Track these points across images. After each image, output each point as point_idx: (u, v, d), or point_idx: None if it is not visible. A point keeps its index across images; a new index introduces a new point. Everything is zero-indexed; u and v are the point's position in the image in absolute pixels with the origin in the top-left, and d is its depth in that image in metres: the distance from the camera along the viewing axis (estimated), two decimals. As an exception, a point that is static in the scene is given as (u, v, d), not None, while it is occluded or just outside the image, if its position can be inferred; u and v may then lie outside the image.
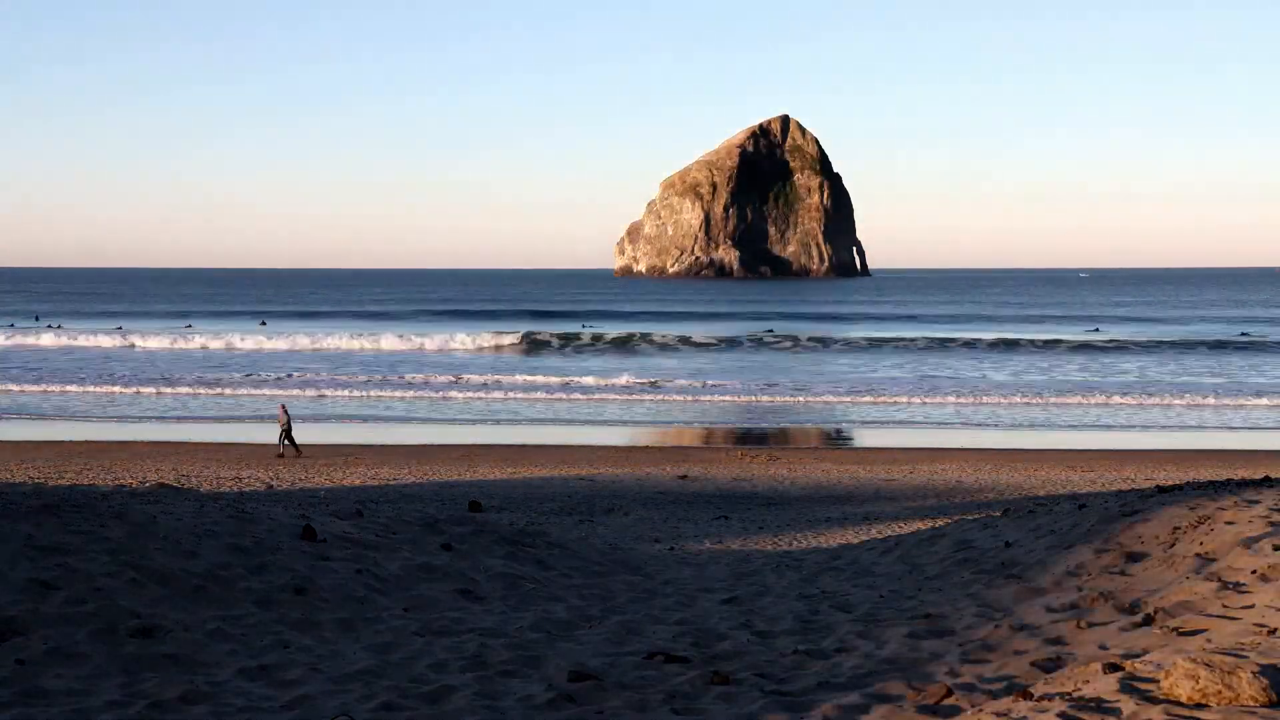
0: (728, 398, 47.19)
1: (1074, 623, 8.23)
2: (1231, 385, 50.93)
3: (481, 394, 47.37)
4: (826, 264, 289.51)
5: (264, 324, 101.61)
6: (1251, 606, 7.86)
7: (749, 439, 35.21)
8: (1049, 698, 6.49)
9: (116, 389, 48.26)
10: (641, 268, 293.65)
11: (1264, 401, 44.78)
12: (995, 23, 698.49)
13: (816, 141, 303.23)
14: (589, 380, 52.02)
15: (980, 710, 6.49)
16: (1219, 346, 72.77)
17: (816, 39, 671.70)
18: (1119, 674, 6.71)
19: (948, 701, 6.75)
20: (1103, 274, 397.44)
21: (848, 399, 46.82)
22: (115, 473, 23.78)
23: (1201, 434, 36.85)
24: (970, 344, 73.95)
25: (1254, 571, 8.57)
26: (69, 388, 48.32)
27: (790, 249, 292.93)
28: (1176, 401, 44.88)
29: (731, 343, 75.39)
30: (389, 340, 75.25)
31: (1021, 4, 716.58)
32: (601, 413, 42.49)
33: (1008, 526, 12.16)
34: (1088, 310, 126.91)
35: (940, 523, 16.81)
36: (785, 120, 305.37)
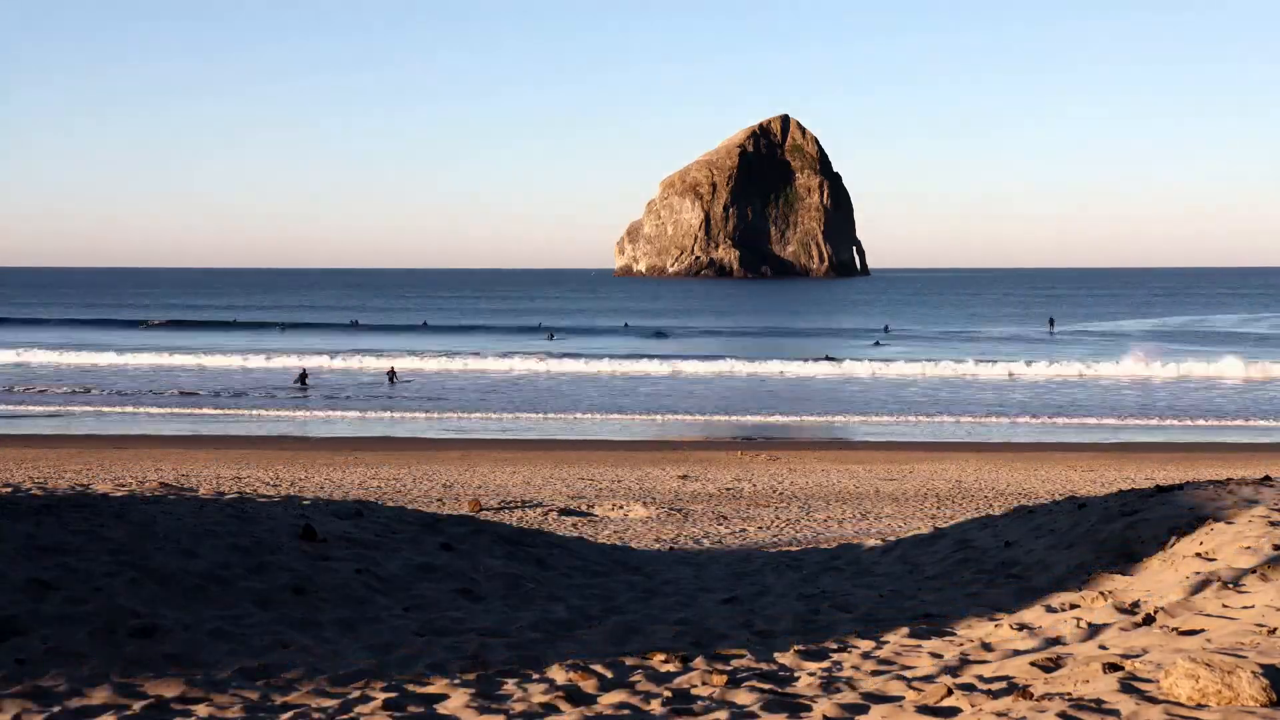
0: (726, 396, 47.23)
1: (1074, 623, 8.23)
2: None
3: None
4: (826, 264, 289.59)
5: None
6: (1251, 607, 7.86)
7: (749, 439, 35.21)
8: (1049, 698, 6.49)
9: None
10: (641, 267, 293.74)
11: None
12: (996, 22, 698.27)
13: (816, 141, 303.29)
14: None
15: (980, 710, 6.49)
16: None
17: (816, 39, 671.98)
18: (1119, 674, 6.71)
19: (948, 702, 6.75)
20: (1099, 274, 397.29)
21: (848, 399, 46.85)
22: (115, 473, 23.79)
23: (1201, 433, 36.87)
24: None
25: (1254, 571, 8.57)
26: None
27: (790, 249, 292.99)
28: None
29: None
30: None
31: (1023, 4, 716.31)
32: (601, 412, 42.52)
33: (1008, 526, 12.16)
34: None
35: (940, 523, 16.80)
36: (785, 120, 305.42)
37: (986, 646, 8.01)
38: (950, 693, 6.83)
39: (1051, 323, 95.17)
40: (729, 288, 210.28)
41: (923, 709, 6.69)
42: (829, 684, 7.39)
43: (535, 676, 7.75)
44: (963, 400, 45.73)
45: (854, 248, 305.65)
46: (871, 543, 13.49)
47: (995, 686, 6.97)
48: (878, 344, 75.35)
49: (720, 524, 18.80)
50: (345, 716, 6.96)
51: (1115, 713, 6.11)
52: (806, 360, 59.26)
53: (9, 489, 11.87)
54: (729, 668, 7.87)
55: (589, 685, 7.49)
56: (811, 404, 44.93)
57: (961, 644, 8.18)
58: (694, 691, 7.35)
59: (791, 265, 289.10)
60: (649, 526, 18.47)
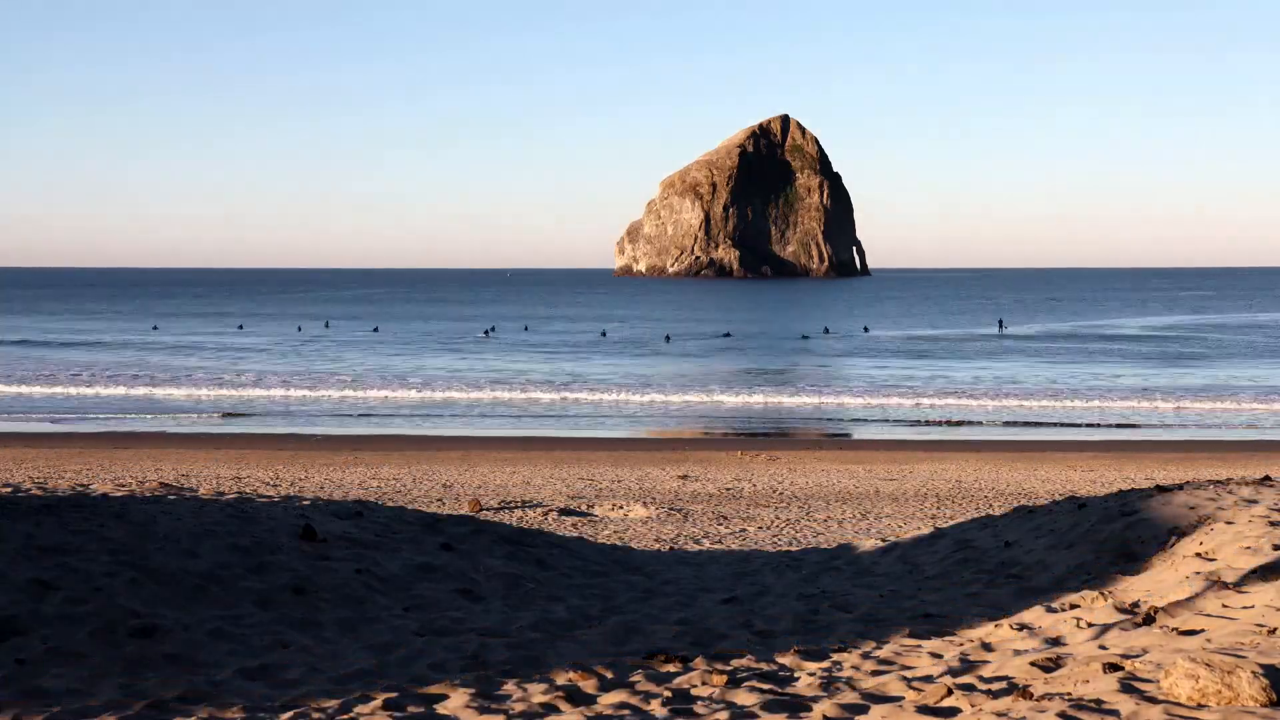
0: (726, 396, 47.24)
1: (1074, 623, 8.23)
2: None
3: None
4: (826, 264, 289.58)
5: None
6: (1251, 607, 7.86)
7: (749, 439, 35.22)
8: (1049, 698, 6.49)
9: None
10: (641, 267, 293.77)
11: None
12: (997, 21, 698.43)
13: (816, 141, 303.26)
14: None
15: (980, 710, 6.49)
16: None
17: (816, 39, 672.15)
18: (1119, 674, 6.70)
19: (947, 702, 6.74)
20: (1099, 274, 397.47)
21: (847, 398, 46.87)
22: (115, 473, 23.78)
23: (1200, 432, 36.89)
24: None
25: (1254, 571, 8.57)
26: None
27: (790, 249, 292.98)
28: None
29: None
30: None
31: (1023, 2, 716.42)
32: (601, 412, 42.54)
33: (1008, 526, 12.16)
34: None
35: (940, 523, 16.80)
36: (785, 120, 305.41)
37: (986, 646, 8.01)
38: (950, 693, 6.83)
39: (1001, 324, 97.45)
40: (726, 288, 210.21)
41: (923, 709, 6.68)
42: (829, 684, 7.39)
43: (535, 676, 7.75)
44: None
45: (854, 248, 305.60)
46: (871, 543, 13.49)
47: (995, 686, 6.97)
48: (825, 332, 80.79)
49: (720, 524, 18.79)
50: (345, 716, 6.96)
51: (1115, 713, 6.11)
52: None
53: (9, 489, 11.88)
54: (729, 668, 7.87)
55: (589, 685, 7.50)
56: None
57: (961, 644, 8.18)
58: (694, 691, 7.35)
59: (792, 265, 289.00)
60: (649, 526, 18.47)
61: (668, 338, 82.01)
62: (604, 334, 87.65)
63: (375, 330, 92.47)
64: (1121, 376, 55.11)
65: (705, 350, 73.00)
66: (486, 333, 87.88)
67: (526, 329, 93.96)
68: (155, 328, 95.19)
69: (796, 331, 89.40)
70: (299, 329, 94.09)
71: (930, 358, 66.17)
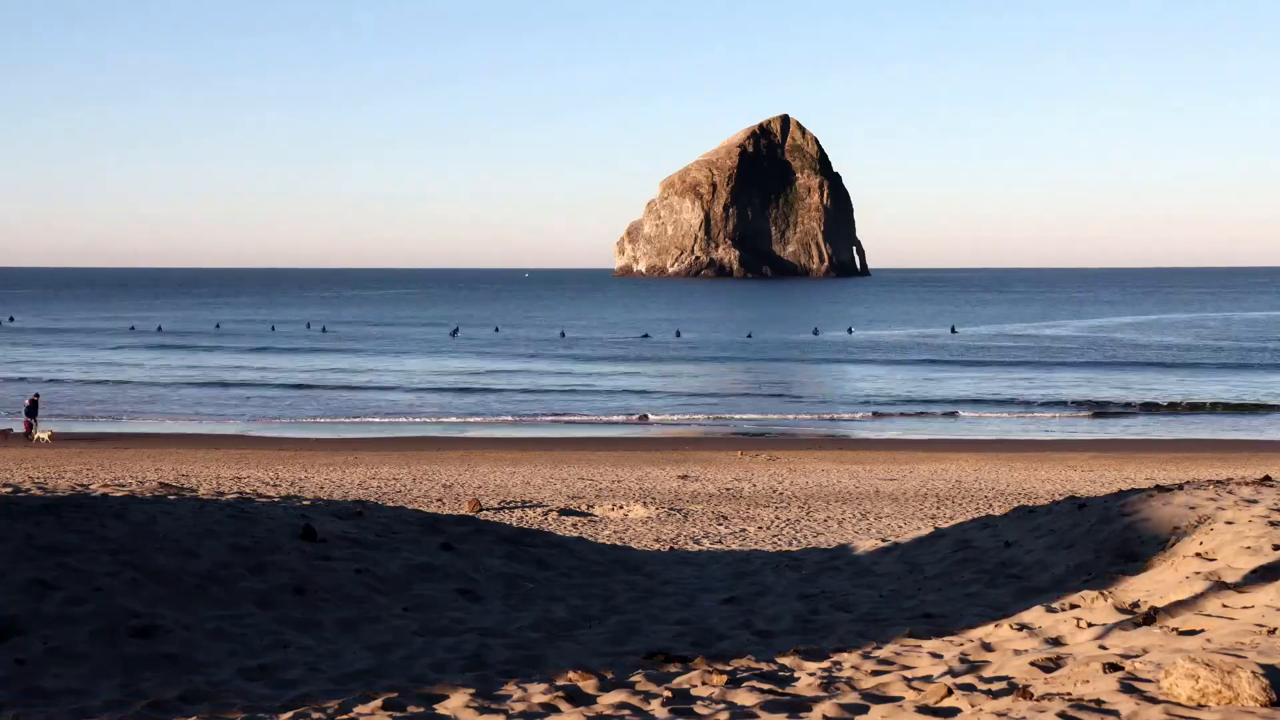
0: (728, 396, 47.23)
1: (1074, 623, 8.23)
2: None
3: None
4: (826, 264, 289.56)
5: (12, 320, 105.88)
6: (1251, 607, 7.86)
7: (749, 439, 35.22)
8: (1049, 698, 6.49)
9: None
10: (641, 267, 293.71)
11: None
12: (997, 21, 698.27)
13: (816, 141, 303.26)
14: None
15: (980, 710, 6.48)
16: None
17: (817, 39, 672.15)
18: (1119, 674, 6.70)
19: (947, 702, 6.74)
20: (1101, 274, 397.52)
21: (848, 398, 46.89)
22: (115, 473, 23.77)
23: (1201, 432, 36.89)
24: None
25: (1254, 571, 8.57)
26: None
27: (790, 249, 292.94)
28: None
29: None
30: None
31: (1023, 2, 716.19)
32: (601, 413, 42.55)
33: (1008, 526, 12.15)
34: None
35: (940, 523, 16.80)
36: (785, 120, 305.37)
37: (986, 646, 8.01)
38: (950, 693, 6.82)
39: (953, 329, 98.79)
40: (723, 288, 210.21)
41: (923, 709, 6.68)
42: (829, 684, 7.38)
43: (535, 676, 7.74)
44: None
45: (854, 248, 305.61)
46: (871, 543, 13.49)
47: (995, 686, 6.97)
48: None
49: (720, 524, 18.79)
50: (345, 716, 6.96)
51: (1115, 713, 6.10)
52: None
53: (9, 489, 11.88)
54: (729, 668, 7.87)
55: (589, 685, 7.49)
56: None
57: (961, 644, 8.18)
58: (694, 691, 7.35)
59: (792, 265, 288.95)
60: (649, 526, 18.46)
61: (562, 333, 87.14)
62: (562, 334, 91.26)
63: (323, 330, 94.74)
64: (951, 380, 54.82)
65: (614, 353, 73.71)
66: (453, 334, 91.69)
67: (497, 330, 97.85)
68: (132, 327, 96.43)
69: (797, 332, 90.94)
70: (272, 328, 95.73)
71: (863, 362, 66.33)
